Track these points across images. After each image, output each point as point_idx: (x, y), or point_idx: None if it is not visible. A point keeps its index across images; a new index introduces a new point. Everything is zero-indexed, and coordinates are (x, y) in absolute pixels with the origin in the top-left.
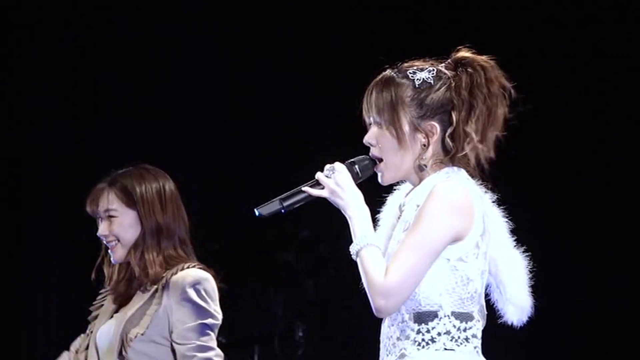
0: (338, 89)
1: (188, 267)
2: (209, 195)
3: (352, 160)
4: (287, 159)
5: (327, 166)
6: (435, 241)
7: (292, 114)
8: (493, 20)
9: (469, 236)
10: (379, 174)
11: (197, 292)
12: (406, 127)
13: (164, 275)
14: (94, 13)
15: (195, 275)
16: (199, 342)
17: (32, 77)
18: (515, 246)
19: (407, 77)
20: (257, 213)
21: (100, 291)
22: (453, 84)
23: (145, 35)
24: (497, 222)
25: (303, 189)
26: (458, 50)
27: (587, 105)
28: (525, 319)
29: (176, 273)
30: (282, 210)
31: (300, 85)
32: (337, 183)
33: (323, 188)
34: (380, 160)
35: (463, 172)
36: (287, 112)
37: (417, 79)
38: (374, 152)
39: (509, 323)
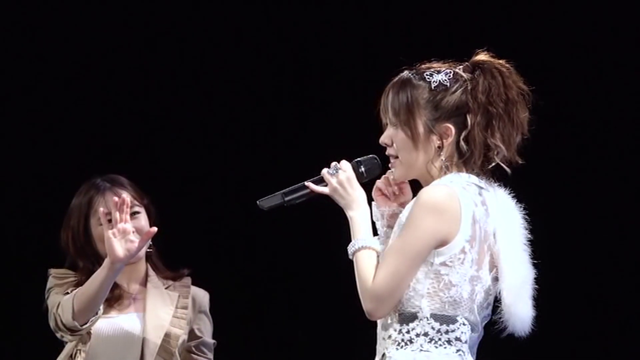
0: (349, 87)
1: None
2: (211, 193)
3: (358, 159)
4: (295, 155)
5: (333, 164)
6: (418, 245)
7: (302, 110)
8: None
9: (454, 240)
10: (392, 169)
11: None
12: (421, 129)
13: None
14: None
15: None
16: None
17: None
18: (527, 256)
19: (423, 79)
20: (259, 205)
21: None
22: (469, 87)
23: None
24: (510, 230)
25: (306, 184)
26: (477, 53)
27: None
28: (526, 330)
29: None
30: (284, 204)
31: (311, 82)
32: (340, 182)
33: (327, 185)
34: (396, 157)
35: (467, 177)
36: (297, 107)
37: (434, 81)
38: (389, 152)
39: (511, 334)
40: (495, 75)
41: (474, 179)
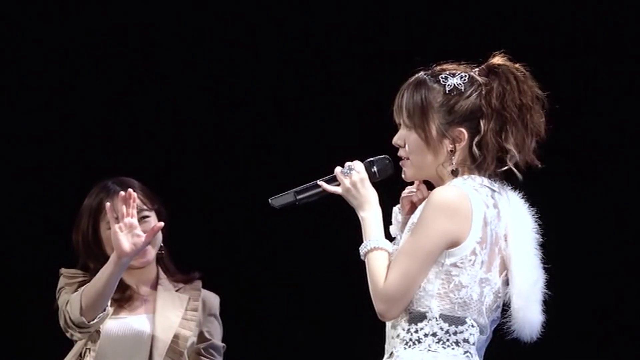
0: (361, 86)
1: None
2: (221, 197)
3: (371, 159)
4: (306, 158)
5: (347, 164)
6: (429, 246)
7: (312, 112)
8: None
9: (465, 242)
10: (403, 169)
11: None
12: (434, 132)
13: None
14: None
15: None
16: None
17: None
18: (537, 260)
19: (438, 81)
20: (270, 203)
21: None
22: (484, 92)
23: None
24: (521, 234)
25: (319, 182)
26: (493, 56)
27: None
28: (534, 336)
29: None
30: (296, 203)
31: (323, 83)
32: (353, 182)
33: (339, 184)
34: (407, 159)
35: (480, 179)
36: (307, 110)
37: (448, 85)
38: (401, 153)
39: (518, 339)
40: (510, 79)
41: (486, 181)
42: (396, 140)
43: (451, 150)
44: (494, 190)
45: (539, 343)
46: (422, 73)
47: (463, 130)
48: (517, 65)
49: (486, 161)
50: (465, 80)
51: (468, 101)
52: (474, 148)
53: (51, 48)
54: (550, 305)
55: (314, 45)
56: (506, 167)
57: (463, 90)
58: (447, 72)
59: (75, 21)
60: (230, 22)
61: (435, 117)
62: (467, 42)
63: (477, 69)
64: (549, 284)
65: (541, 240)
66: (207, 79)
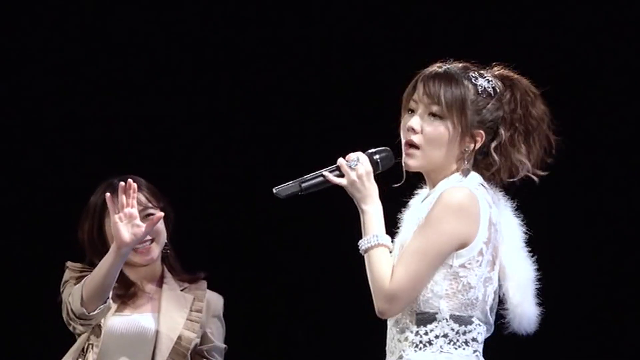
0: (363, 85)
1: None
2: (221, 191)
3: (373, 150)
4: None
5: (351, 156)
6: (440, 246)
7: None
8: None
9: (473, 242)
10: (407, 157)
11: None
12: (461, 129)
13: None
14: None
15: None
16: None
17: None
18: (527, 256)
19: (469, 80)
20: (275, 193)
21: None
22: (507, 100)
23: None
24: (511, 231)
25: (324, 173)
26: (492, 66)
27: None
28: (531, 329)
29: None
30: (300, 193)
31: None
32: (359, 175)
33: (343, 176)
34: (416, 147)
35: (477, 177)
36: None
37: (480, 86)
38: (413, 138)
39: (516, 333)
40: (529, 92)
41: (480, 179)
42: (414, 125)
43: (466, 149)
44: (485, 188)
45: (535, 336)
46: (449, 66)
47: (483, 133)
48: (529, 83)
49: (502, 167)
50: (493, 84)
51: (494, 106)
52: (492, 153)
53: (52, 47)
54: (548, 304)
55: (314, 38)
56: (519, 176)
57: (492, 94)
58: (474, 72)
59: (76, 20)
60: (230, 20)
61: (468, 114)
62: (468, 42)
63: (490, 74)
64: (548, 282)
65: (527, 235)
66: (208, 79)
